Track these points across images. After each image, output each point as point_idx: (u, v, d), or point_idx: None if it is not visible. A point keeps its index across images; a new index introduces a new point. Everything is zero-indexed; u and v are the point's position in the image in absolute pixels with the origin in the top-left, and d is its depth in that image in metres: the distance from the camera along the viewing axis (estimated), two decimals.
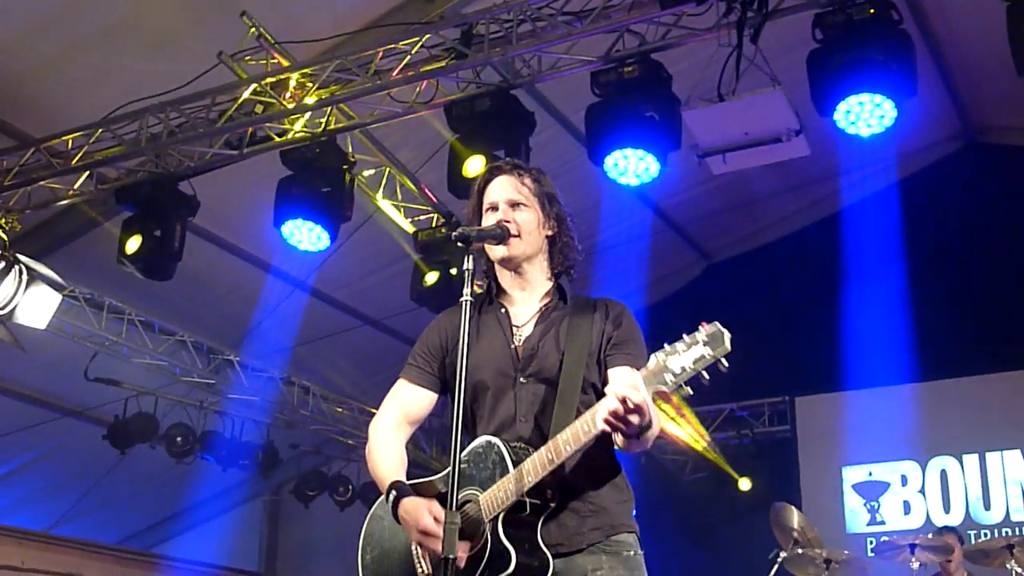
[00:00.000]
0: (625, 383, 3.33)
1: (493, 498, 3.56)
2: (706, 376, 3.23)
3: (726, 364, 3.21)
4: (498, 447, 3.64)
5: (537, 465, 3.50)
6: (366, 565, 3.92)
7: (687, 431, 13.78)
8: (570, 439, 3.47)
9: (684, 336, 3.24)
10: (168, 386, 13.31)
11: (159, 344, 12.24)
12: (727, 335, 3.20)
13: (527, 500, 3.54)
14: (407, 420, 4.06)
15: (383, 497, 3.84)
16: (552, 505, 3.59)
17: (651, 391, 3.29)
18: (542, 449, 3.52)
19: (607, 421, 3.33)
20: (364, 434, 14.01)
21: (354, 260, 11.72)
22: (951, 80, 11.92)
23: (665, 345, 3.28)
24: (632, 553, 3.74)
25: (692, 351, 3.21)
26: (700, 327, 3.24)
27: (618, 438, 3.56)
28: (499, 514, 3.53)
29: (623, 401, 3.27)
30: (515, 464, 3.57)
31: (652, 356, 3.30)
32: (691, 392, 3.30)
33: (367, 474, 15.20)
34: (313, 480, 15.70)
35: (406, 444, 4.05)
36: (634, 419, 3.31)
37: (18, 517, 13.34)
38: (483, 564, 3.48)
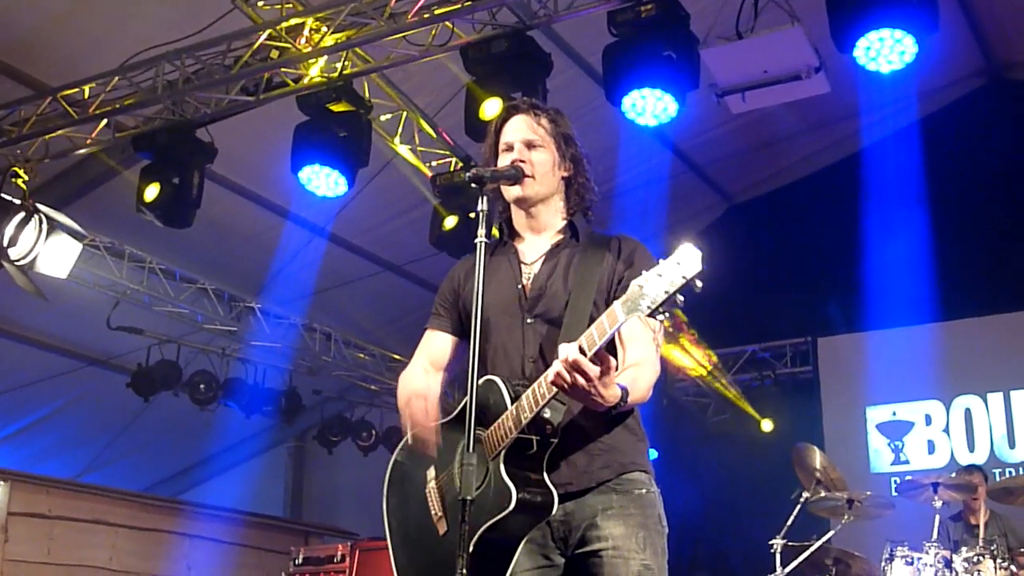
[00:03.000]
0: (574, 343, 3.32)
1: (495, 436, 3.55)
2: (681, 298, 3.18)
3: (700, 284, 3.14)
4: (497, 386, 3.62)
5: (532, 400, 3.48)
6: (390, 511, 3.96)
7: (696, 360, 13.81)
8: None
9: (660, 261, 3.19)
10: (190, 334, 13.39)
11: (180, 292, 12.30)
12: (699, 255, 3.13)
13: (530, 437, 3.53)
14: (434, 366, 4.07)
15: (404, 440, 3.88)
16: (554, 440, 3.57)
17: (630, 318, 3.24)
18: (534, 384, 3.50)
19: (554, 383, 3.34)
20: (386, 379, 14.26)
21: (373, 206, 11.71)
22: (974, 15, 11.77)
23: (642, 272, 3.23)
24: (644, 491, 3.73)
25: (667, 275, 3.16)
26: (675, 250, 3.20)
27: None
28: (500, 452, 3.52)
29: (572, 364, 3.28)
30: (513, 401, 3.55)
31: (631, 284, 3.25)
32: (667, 315, 3.25)
33: (390, 419, 15.33)
34: (336, 426, 15.77)
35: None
36: (580, 380, 3.29)
37: (45, 466, 13.46)
38: (487, 503, 3.47)
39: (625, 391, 3.45)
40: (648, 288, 3.19)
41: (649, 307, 3.19)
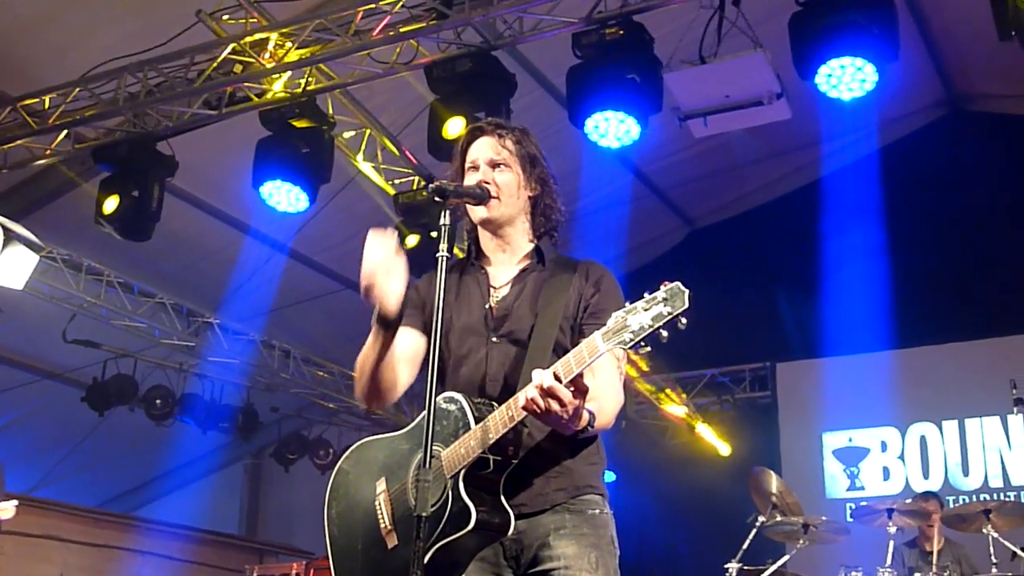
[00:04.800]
0: (549, 370, 3.30)
1: (455, 455, 3.51)
2: (664, 334, 3.18)
3: (684, 322, 3.15)
4: (460, 403, 3.60)
5: (498, 422, 3.46)
6: (331, 518, 3.90)
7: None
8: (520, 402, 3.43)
9: (645, 294, 3.19)
10: (147, 348, 13.29)
11: (138, 306, 12.20)
12: (686, 293, 3.14)
13: (489, 457, 3.51)
14: (394, 356, 3.82)
15: (373, 331, 3.70)
16: (514, 462, 3.56)
17: (610, 348, 3.23)
18: (503, 406, 3.48)
19: (525, 408, 3.32)
20: (345, 397, 14.18)
21: (334, 223, 11.66)
22: (935, 46, 11.91)
23: (626, 303, 3.24)
24: (598, 512, 3.71)
25: (652, 309, 3.16)
26: (661, 286, 3.20)
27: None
28: (460, 471, 3.50)
29: (547, 391, 3.26)
30: (477, 420, 3.53)
31: (612, 315, 3.25)
32: (649, 349, 3.25)
33: (348, 437, 15.23)
34: (293, 443, 15.71)
35: (391, 405, 4.01)
36: (554, 405, 3.27)
37: None
38: (443, 521, 3.45)
39: (592, 415, 3.44)
40: (632, 320, 3.20)
41: (631, 339, 3.20)
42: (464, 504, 3.45)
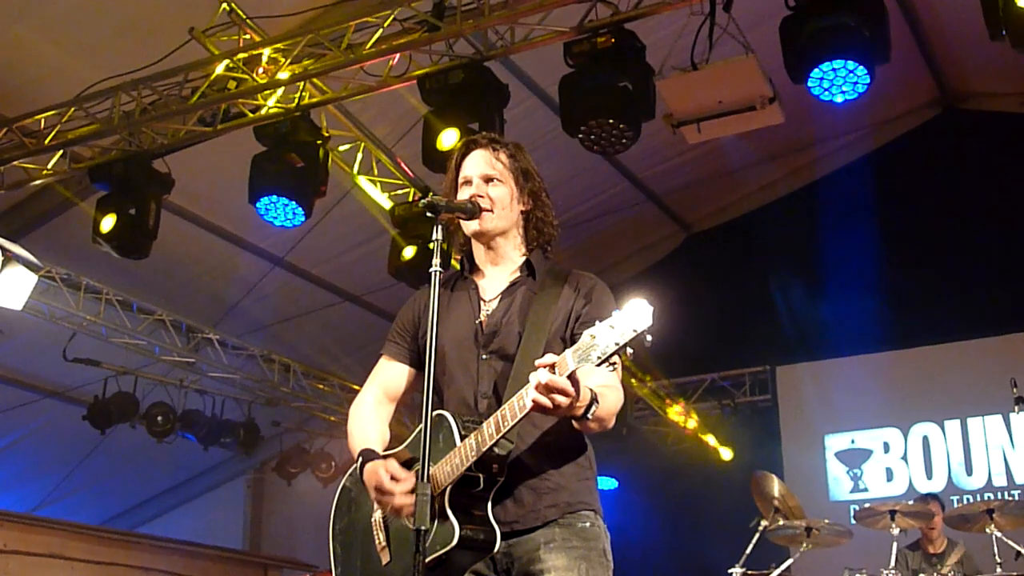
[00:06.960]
0: (542, 370, 3.32)
1: (441, 472, 3.55)
2: (630, 351, 3.22)
3: (650, 339, 3.18)
4: (448, 421, 3.64)
5: (482, 439, 3.50)
6: (335, 535, 3.97)
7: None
8: (507, 415, 3.46)
9: (614, 313, 3.21)
10: (147, 365, 13.29)
11: (137, 323, 12.20)
12: (650, 310, 3.16)
13: (476, 475, 3.55)
14: (387, 396, 4.10)
15: (353, 467, 3.89)
16: (499, 479, 3.60)
17: (580, 367, 3.25)
18: (484, 424, 3.51)
19: (535, 402, 3.32)
20: (346, 410, 14.01)
21: (331, 236, 11.69)
22: (927, 46, 11.91)
23: (596, 322, 3.26)
24: (588, 524, 3.74)
25: (619, 327, 3.18)
26: (628, 303, 3.22)
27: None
28: (447, 488, 3.54)
29: (546, 385, 3.28)
30: (463, 438, 3.57)
31: (584, 333, 3.27)
32: (616, 363, 3.29)
33: (349, 450, 15.28)
34: (295, 457, 15.72)
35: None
36: (560, 399, 3.29)
37: (0, 499, 13.31)
38: (430, 537, 3.47)
39: (594, 394, 3.45)
40: (600, 339, 3.22)
41: (599, 358, 3.22)
42: (448, 520, 3.50)
